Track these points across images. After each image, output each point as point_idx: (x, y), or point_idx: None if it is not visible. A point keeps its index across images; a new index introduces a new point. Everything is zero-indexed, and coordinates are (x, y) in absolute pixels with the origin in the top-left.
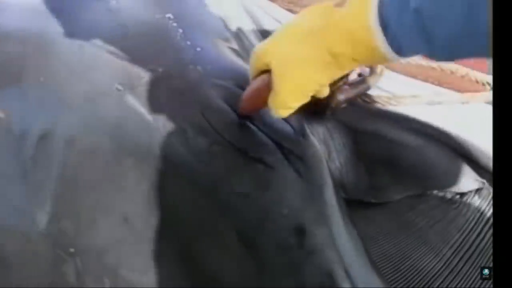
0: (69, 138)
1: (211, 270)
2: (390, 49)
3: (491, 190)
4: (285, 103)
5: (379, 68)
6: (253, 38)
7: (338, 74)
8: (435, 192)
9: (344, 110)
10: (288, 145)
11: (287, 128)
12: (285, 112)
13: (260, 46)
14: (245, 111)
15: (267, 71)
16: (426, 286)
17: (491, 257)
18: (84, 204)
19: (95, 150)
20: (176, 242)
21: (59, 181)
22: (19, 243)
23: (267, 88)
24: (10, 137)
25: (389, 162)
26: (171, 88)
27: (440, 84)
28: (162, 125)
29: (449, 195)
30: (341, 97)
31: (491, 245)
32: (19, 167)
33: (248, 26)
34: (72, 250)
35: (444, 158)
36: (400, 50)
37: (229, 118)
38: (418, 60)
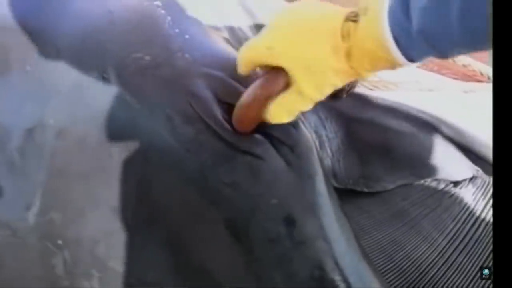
0: (57, 128)
1: (200, 259)
2: (405, 59)
3: (485, 178)
4: (301, 106)
5: None
6: (246, 29)
7: (355, 78)
8: (429, 181)
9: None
10: (278, 135)
11: None
12: (292, 116)
13: (261, 42)
14: (246, 118)
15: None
16: (421, 276)
17: (486, 247)
18: (72, 195)
19: (83, 140)
20: (164, 232)
21: (48, 172)
22: (6, 235)
23: (275, 86)
24: None
25: (383, 150)
26: (158, 77)
27: (439, 70)
28: (149, 114)
29: (443, 184)
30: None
31: (486, 235)
32: (6, 159)
33: (241, 17)
34: (60, 242)
35: (439, 145)
36: (413, 59)
37: (215, 108)
38: None
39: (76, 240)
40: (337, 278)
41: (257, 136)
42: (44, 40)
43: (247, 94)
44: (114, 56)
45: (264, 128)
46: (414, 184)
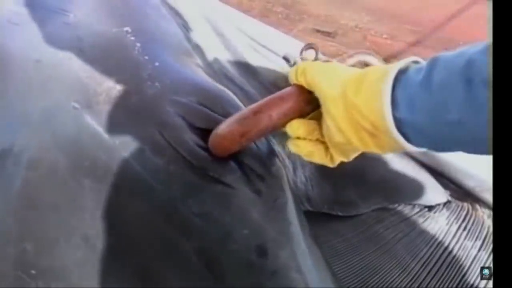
0: (27, 157)
1: None
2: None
3: (459, 204)
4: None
5: None
6: (215, 52)
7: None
8: (402, 205)
9: None
10: (249, 163)
11: (251, 145)
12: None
13: (314, 72)
14: (220, 148)
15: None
16: None
17: (458, 271)
18: (44, 224)
19: (53, 169)
20: (135, 263)
21: (19, 202)
22: None
23: (297, 100)
24: None
25: (356, 175)
26: (128, 106)
27: None
28: (119, 144)
29: (417, 209)
30: None
31: (459, 259)
32: None
33: (211, 38)
34: (33, 272)
35: (411, 170)
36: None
37: (187, 136)
38: None
39: (49, 270)
40: None
41: (230, 163)
42: (14, 66)
43: (225, 125)
44: (85, 85)
45: (236, 155)
46: (388, 207)
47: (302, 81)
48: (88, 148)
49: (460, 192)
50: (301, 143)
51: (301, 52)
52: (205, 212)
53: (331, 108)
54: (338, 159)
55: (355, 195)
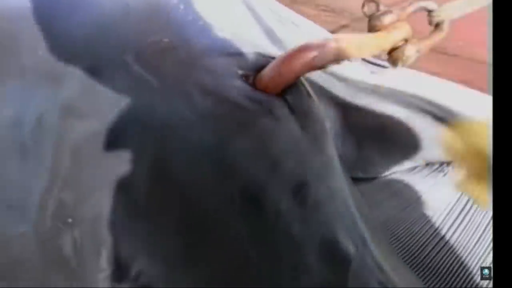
0: (70, 110)
1: (214, 235)
2: None
3: None
4: None
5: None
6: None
7: None
8: (422, 164)
9: (335, 85)
10: (294, 100)
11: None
12: None
13: None
14: (272, 83)
15: None
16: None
17: (481, 222)
18: (85, 174)
19: (98, 121)
20: (177, 211)
21: (60, 153)
22: (14, 218)
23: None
24: (10, 112)
25: (378, 134)
26: (176, 58)
27: None
28: (168, 90)
29: (436, 165)
30: (411, 50)
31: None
32: (18, 142)
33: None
34: (70, 220)
35: (431, 127)
36: None
37: (235, 80)
38: None
39: (86, 218)
40: (347, 241)
41: (277, 100)
42: (58, 29)
43: (272, 66)
44: (132, 41)
45: (282, 94)
46: (409, 167)
47: None
48: (134, 98)
49: None
50: None
51: (363, 6)
52: (253, 147)
53: None
54: None
55: (378, 154)
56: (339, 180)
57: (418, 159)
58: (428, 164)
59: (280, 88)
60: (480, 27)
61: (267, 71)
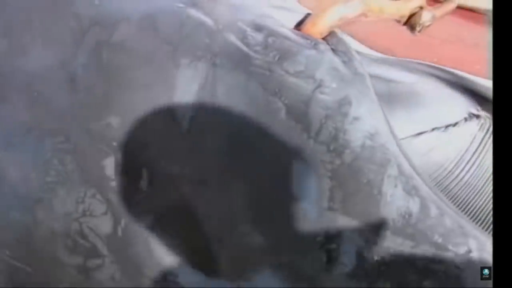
0: (123, 45)
1: (261, 148)
2: None
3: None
4: None
5: None
6: None
7: None
8: (429, 129)
9: None
10: (333, 43)
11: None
12: None
13: None
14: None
15: None
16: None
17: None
18: (132, 101)
19: (150, 55)
20: (225, 133)
21: (110, 83)
22: (59, 140)
23: None
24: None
25: (386, 100)
26: (230, 1)
27: None
28: (222, 28)
29: (442, 129)
30: (427, 15)
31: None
32: (70, 75)
33: None
34: (114, 144)
35: (438, 90)
36: None
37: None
38: None
39: (130, 142)
40: (386, 146)
41: (319, 39)
42: None
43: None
44: None
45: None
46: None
47: None
48: (191, 34)
49: (486, 103)
50: None
51: None
52: (299, 70)
53: None
54: None
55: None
56: (378, 106)
57: (425, 122)
58: (434, 129)
59: (319, 37)
60: None
61: (306, 23)
